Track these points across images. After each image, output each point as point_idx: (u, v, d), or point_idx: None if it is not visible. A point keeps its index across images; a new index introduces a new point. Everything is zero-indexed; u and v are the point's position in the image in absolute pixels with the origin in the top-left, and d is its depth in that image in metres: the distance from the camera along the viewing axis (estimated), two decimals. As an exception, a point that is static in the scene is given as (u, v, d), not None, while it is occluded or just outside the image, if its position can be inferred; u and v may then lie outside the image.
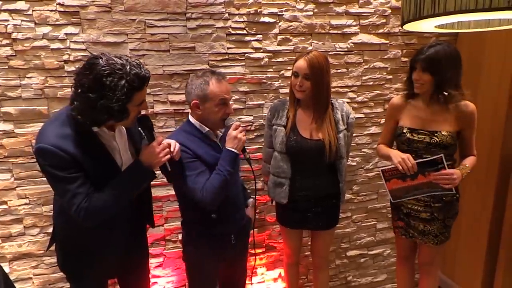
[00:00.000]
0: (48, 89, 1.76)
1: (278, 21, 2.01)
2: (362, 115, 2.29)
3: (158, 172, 1.41)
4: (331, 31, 2.10)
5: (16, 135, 1.77)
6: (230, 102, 1.56)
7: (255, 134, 2.12)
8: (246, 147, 1.57)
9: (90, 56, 1.19)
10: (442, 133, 1.68)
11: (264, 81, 2.06)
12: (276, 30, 2.02)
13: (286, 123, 1.77)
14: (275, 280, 2.36)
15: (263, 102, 2.09)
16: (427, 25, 1.13)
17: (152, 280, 2.06)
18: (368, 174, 2.39)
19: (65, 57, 1.75)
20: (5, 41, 1.66)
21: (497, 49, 2.05)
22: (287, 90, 2.00)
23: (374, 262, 2.58)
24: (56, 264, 1.49)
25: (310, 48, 2.08)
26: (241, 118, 2.06)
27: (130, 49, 1.82)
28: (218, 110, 1.49)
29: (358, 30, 2.15)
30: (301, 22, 2.04)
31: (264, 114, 2.08)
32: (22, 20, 1.67)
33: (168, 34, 1.86)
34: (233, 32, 1.95)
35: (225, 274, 1.78)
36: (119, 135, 1.36)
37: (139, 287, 1.65)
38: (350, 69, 2.20)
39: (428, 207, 1.78)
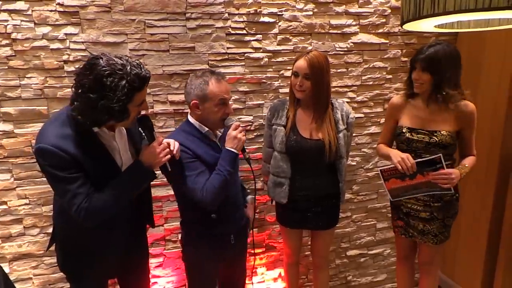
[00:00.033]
0: (48, 89, 1.76)
1: (277, 21, 2.01)
2: (362, 115, 2.29)
3: (158, 172, 1.41)
4: (330, 31, 2.10)
5: (16, 135, 1.77)
6: (230, 102, 1.56)
7: (255, 134, 2.12)
8: (245, 147, 1.57)
9: (91, 56, 1.19)
10: (442, 132, 1.68)
11: (264, 81, 2.06)
12: (275, 30, 2.02)
13: (286, 123, 1.77)
14: (275, 280, 2.37)
15: (262, 102, 2.09)
16: (427, 25, 1.13)
17: (152, 280, 2.06)
18: (368, 174, 2.39)
19: (65, 57, 1.75)
20: (4, 41, 1.66)
21: (496, 48, 2.05)
22: (287, 90, 2.00)
23: (374, 262, 2.59)
24: (56, 264, 1.49)
25: (309, 48, 2.08)
26: (240, 118, 2.06)
27: (130, 49, 1.82)
28: (217, 110, 1.49)
29: (358, 29, 2.15)
30: (301, 22, 2.04)
31: (263, 114, 2.08)
32: (21, 20, 1.67)
33: (168, 34, 1.86)
34: (232, 32, 1.95)
35: (224, 274, 1.78)
36: (119, 135, 1.36)
37: (139, 287, 1.65)
38: (349, 69, 2.20)
39: (428, 206, 1.78)
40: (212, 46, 1.94)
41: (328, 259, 2.23)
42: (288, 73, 2.05)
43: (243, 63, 2.01)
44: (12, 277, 1.86)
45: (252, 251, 2.04)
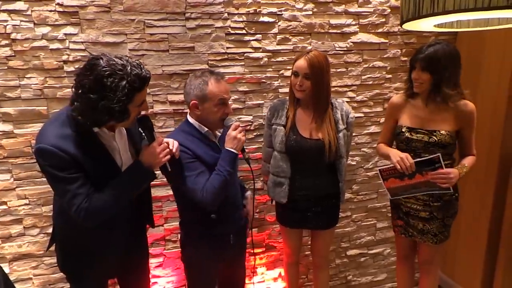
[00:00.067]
0: (48, 89, 1.76)
1: (277, 21, 2.01)
2: (362, 115, 2.29)
3: (158, 172, 1.41)
4: (330, 31, 2.10)
5: (16, 135, 1.77)
6: (229, 102, 1.56)
7: (255, 133, 2.12)
8: (245, 147, 1.57)
9: (91, 56, 1.19)
10: (441, 132, 1.68)
11: (264, 80, 2.06)
12: (275, 30, 2.02)
13: (285, 123, 1.77)
14: (275, 279, 2.37)
15: (262, 101, 2.09)
16: (426, 24, 1.13)
17: (152, 280, 2.06)
18: (368, 174, 2.39)
19: (64, 57, 1.75)
20: (4, 42, 1.66)
21: (496, 48, 2.05)
22: (286, 90, 2.00)
23: (374, 261, 2.59)
24: (56, 265, 1.49)
25: (309, 47, 2.08)
26: (240, 118, 2.06)
27: (129, 49, 1.82)
28: (217, 110, 1.49)
29: (358, 29, 2.15)
30: (301, 21, 2.04)
31: (263, 114, 2.08)
32: (21, 21, 1.66)
33: (167, 34, 1.86)
34: (232, 32, 1.95)
35: (224, 274, 1.78)
36: (119, 135, 1.36)
37: (139, 287, 1.65)
38: (349, 69, 2.20)
39: (427, 206, 1.78)
40: (211, 46, 1.94)
41: (328, 258, 2.23)
42: (288, 73, 2.05)
43: (242, 63, 2.01)
44: (12, 277, 1.85)
45: (252, 251, 2.03)
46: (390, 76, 2.28)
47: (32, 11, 1.67)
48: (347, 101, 2.09)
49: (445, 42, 1.63)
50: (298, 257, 2.08)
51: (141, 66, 1.21)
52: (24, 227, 1.87)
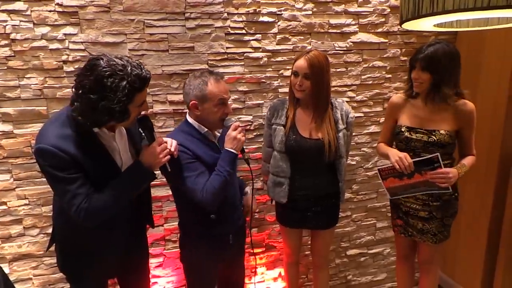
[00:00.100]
0: (47, 89, 1.76)
1: (277, 21, 2.01)
2: (362, 114, 2.29)
3: (157, 172, 1.41)
4: (330, 30, 2.10)
5: (15, 135, 1.77)
6: (229, 102, 1.56)
7: (255, 133, 2.12)
8: (245, 147, 1.57)
9: (91, 57, 1.19)
10: (440, 132, 1.68)
11: (263, 80, 2.06)
12: (275, 30, 2.02)
13: (285, 123, 1.77)
14: (275, 279, 2.37)
15: (262, 101, 2.09)
16: (426, 24, 1.13)
17: (152, 280, 2.06)
18: (367, 173, 2.39)
19: (64, 57, 1.75)
20: (3, 42, 1.66)
21: (496, 47, 2.05)
22: (286, 90, 2.00)
23: (374, 261, 2.59)
24: (56, 265, 1.49)
25: (309, 47, 2.08)
26: (240, 118, 2.06)
27: (129, 49, 1.82)
28: (217, 110, 1.49)
29: (357, 29, 2.15)
30: (300, 21, 2.04)
31: (263, 114, 2.08)
32: (20, 21, 1.66)
33: (167, 34, 1.86)
34: (232, 31, 1.95)
35: (223, 275, 1.78)
36: (119, 135, 1.36)
37: (139, 287, 1.65)
38: (349, 68, 2.20)
39: (427, 206, 1.78)
40: (211, 46, 1.94)
41: (328, 258, 2.23)
42: (288, 73, 2.05)
43: (242, 63, 2.01)
44: (12, 278, 1.85)
45: (252, 251, 2.03)
46: (389, 75, 2.28)
47: (31, 11, 1.66)
48: (347, 101, 2.09)
49: (445, 41, 1.63)
50: (298, 257, 2.08)
51: (142, 66, 1.21)
52: (24, 227, 1.87)
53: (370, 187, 2.42)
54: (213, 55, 1.95)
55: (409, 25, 1.10)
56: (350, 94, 2.24)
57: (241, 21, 1.95)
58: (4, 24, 1.64)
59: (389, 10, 2.17)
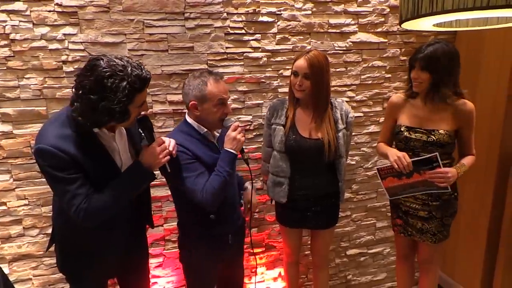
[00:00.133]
0: (47, 89, 1.76)
1: (276, 21, 2.01)
2: (361, 114, 2.29)
3: (157, 173, 1.41)
4: (329, 30, 2.10)
5: (15, 136, 1.77)
6: (229, 102, 1.56)
7: (254, 133, 2.12)
8: (244, 147, 1.56)
9: (91, 57, 1.19)
10: (440, 131, 1.68)
11: (263, 80, 2.06)
12: (274, 30, 2.02)
13: (285, 122, 1.77)
14: (275, 279, 2.37)
15: (262, 101, 2.09)
16: (426, 24, 1.13)
17: (152, 280, 2.06)
18: (367, 173, 2.39)
19: (64, 57, 1.75)
20: (3, 42, 1.66)
21: (495, 47, 2.05)
22: (286, 90, 2.00)
23: (374, 261, 2.59)
24: (56, 265, 1.49)
25: (309, 47, 2.08)
26: (240, 118, 2.06)
27: (129, 49, 1.82)
28: (216, 111, 1.49)
29: (357, 29, 2.15)
30: (300, 21, 2.04)
31: (263, 114, 2.08)
32: (20, 21, 1.66)
33: (167, 34, 1.86)
34: (231, 31, 1.95)
35: (223, 275, 1.78)
36: (119, 136, 1.36)
37: (139, 287, 1.65)
38: (349, 68, 2.20)
39: (426, 205, 1.79)
40: (211, 46, 1.94)
41: (328, 258, 2.23)
42: (287, 73, 2.05)
43: (242, 63, 2.01)
44: (12, 278, 1.85)
45: (252, 251, 2.03)
46: (389, 75, 2.28)
47: (31, 11, 1.66)
48: (346, 101, 2.09)
49: (444, 41, 1.63)
50: (298, 257, 2.08)
51: (142, 66, 1.21)
52: (23, 227, 1.87)
53: (370, 187, 2.42)
54: (212, 55, 1.95)
55: (409, 25, 1.10)
56: (350, 94, 2.24)
57: (241, 21, 1.95)
58: (4, 24, 1.64)
59: (388, 10, 2.17)
